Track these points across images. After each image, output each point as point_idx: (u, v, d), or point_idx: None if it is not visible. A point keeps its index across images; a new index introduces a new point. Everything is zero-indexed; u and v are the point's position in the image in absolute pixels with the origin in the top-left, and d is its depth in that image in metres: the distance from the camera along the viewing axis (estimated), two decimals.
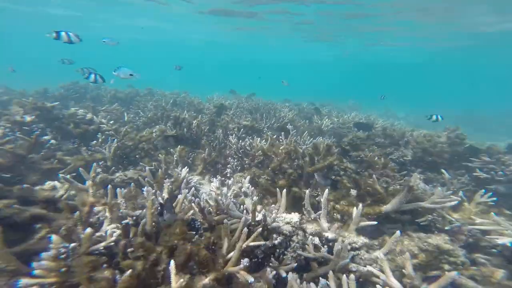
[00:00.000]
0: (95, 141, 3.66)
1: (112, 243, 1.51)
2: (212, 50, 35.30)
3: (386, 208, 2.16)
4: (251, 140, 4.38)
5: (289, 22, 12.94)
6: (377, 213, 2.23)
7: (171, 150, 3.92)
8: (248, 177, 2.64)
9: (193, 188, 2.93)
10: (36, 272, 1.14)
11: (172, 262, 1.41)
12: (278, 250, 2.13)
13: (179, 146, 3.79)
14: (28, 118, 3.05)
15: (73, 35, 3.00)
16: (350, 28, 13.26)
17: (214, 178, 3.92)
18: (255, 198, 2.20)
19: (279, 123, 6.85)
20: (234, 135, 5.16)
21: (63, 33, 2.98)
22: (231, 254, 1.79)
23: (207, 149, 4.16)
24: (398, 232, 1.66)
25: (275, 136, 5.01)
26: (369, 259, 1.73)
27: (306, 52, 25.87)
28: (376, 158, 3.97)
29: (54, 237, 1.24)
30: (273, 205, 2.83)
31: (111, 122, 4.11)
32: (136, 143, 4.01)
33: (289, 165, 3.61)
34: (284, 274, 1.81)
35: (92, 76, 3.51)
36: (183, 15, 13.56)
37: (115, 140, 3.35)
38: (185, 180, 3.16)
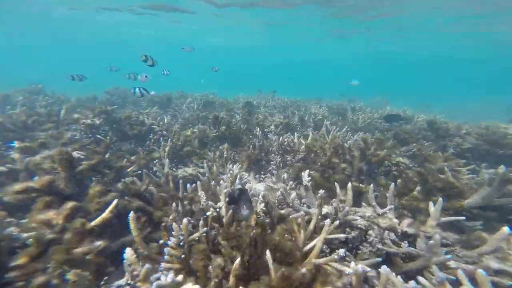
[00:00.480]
0: (148, 142, 3.86)
1: (204, 234, 1.56)
2: (236, 51, 35.63)
3: (469, 202, 2.00)
4: (292, 137, 4.35)
5: (320, 16, 12.56)
6: (457, 208, 2.07)
7: (220, 147, 4.01)
8: (307, 171, 2.61)
9: (247, 183, 2.97)
10: (166, 258, 1.22)
11: (268, 252, 1.42)
12: (351, 245, 2.08)
13: (226, 144, 3.87)
14: (97, 121, 3.33)
15: (155, 60, 3.77)
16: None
17: (269, 174, 3.95)
18: (321, 191, 2.16)
19: (311, 120, 6.75)
20: (273, 132, 5.18)
21: (149, 57, 3.74)
22: (310, 245, 1.78)
23: (250, 146, 4.21)
24: (506, 228, 1.51)
25: (316, 132, 4.95)
26: (469, 256, 1.61)
27: (332, 48, 25.17)
28: (432, 151, 3.74)
29: (174, 225, 1.32)
30: (333, 200, 2.78)
31: (160, 123, 4.32)
32: (183, 142, 4.18)
33: (339, 160, 3.53)
34: (368, 269, 1.75)
35: (137, 90, 3.79)
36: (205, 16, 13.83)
37: (169, 139, 3.51)
38: (238, 176, 3.22)
